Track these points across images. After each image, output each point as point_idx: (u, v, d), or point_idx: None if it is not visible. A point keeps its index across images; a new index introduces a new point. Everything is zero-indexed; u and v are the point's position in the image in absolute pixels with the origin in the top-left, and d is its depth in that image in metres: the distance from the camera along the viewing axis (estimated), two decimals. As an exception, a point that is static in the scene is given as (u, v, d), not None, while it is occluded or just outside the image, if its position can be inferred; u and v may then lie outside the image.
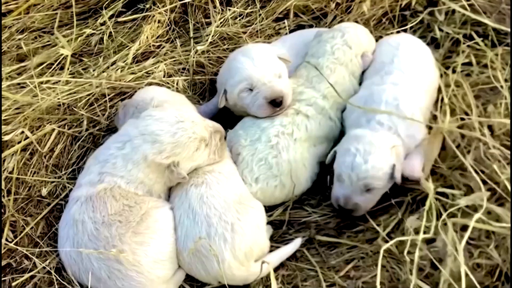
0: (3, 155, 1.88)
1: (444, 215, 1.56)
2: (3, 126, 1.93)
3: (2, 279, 1.67)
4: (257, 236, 1.70)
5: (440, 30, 2.27)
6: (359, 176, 1.73)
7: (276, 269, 1.73)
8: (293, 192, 1.90)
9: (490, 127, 1.82)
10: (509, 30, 2.10)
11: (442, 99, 1.96)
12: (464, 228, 1.55)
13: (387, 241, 1.71)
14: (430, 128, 1.89)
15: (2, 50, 2.32)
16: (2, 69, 2.21)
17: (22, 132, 1.97)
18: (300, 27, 2.46)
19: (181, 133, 1.69)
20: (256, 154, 1.87)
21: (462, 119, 1.86)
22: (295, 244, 1.79)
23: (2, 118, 1.95)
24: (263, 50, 2.03)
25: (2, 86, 2.05)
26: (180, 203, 1.72)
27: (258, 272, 1.68)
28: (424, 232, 1.57)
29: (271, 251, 1.77)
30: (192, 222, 1.66)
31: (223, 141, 1.84)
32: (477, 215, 1.53)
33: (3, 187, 1.83)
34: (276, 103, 1.91)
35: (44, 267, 1.71)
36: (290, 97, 1.96)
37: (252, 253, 1.67)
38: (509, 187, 1.63)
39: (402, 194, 1.86)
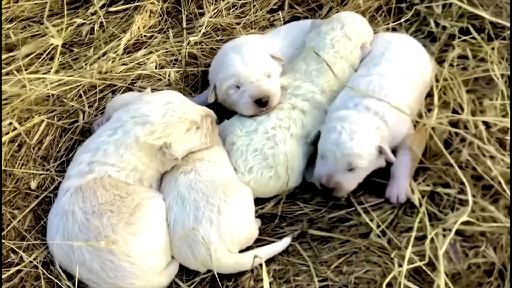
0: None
1: (432, 234, 1.56)
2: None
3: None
4: (244, 219, 1.70)
5: (436, 23, 2.24)
6: (343, 152, 1.72)
7: (267, 264, 1.71)
8: (287, 185, 1.88)
9: (485, 123, 1.80)
10: (506, 23, 2.08)
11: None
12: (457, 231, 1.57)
13: (380, 237, 1.71)
14: (417, 123, 1.88)
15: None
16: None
17: (10, 123, 1.94)
18: (295, 18, 2.42)
19: (171, 113, 1.70)
20: (252, 144, 1.86)
21: (455, 114, 1.85)
22: (284, 243, 1.77)
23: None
24: (255, 47, 2.00)
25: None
26: (169, 190, 1.73)
27: (245, 264, 1.67)
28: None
29: (262, 245, 1.76)
30: (181, 207, 1.67)
31: (215, 125, 1.84)
32: (462, 218, 1.55)
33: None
34: (261, 103, 1.89)
35: (31, 261, 1.68)
36: (278, 97, 1.93)
37: (239, 236, 1.67)
38: (503, 183, 1.62)
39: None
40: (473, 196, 1.63)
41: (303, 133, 1.91)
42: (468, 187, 1.61)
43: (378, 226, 1.74)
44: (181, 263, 1.71)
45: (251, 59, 1.93)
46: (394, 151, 1.83)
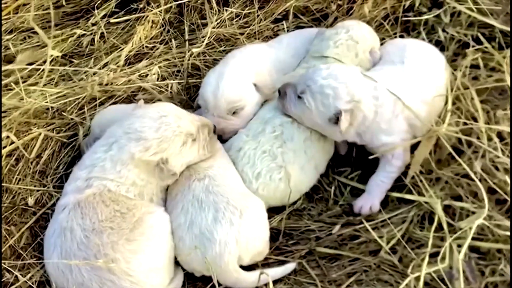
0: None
1: (448, 241, 1.52)
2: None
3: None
4: (262, 229, 1.69)
5: (445, 32, 2.19)
6: (305, 79, 1.74)
7: (274, 283, 1.64)
8: (289, 195, 1.81)
9: (499, 134, 1.73)
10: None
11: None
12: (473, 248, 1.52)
13: (390, 254, 1.64)
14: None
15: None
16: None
17: (8, 136, 1.90)
18: (299, 28, 2.37)
19: (165, 127, 1.65)
20: (259, 147, 1.81)
21: (465, 124, 1.79)
22: (287, 268, 1.71)
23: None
24: (240, 74, 1.95)
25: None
26: (183, 196, 1.69)
27: (245, 283, 1.62)
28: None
29: (268, 263, 1.70)
30: (198, 209, 1.64)
31: (212, 134, 1.79)
32: (477, 221, 1.50)
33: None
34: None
35: (26, 281, 1.62)
36: (233, 133, 1.91)
37: (255, 245, 1.64)
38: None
39: (408, 204, 1.78)
40: (489, 210, 1.56)
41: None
42: (485, 196, 1.55)
43: (388, 243, 1.67)
44: (183, 263, 1.66)
45: (224, 93, 1.90)
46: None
